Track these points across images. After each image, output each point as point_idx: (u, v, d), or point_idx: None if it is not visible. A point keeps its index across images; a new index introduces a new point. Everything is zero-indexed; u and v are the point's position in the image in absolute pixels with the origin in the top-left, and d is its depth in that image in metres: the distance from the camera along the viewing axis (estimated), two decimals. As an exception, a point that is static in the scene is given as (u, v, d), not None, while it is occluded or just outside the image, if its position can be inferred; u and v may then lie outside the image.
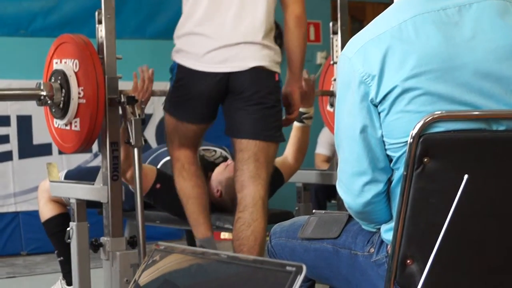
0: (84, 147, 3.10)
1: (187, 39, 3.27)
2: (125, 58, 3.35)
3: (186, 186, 3.41)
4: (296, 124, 3.96)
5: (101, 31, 3.08)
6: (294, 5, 3.28)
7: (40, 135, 5.73)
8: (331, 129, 4.20)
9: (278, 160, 3.84)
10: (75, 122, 3.07)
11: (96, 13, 3.08)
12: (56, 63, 3.16)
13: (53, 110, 3.14)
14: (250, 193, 3.20)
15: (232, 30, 3.22)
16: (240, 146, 3.25)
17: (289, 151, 3.92)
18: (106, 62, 3.06)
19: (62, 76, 3.08)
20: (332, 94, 4.13)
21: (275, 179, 3.72)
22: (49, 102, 3.09)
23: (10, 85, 5.50)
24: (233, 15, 3.22)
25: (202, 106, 3.29)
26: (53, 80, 3.12)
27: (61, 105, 3.08)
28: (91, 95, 2.99)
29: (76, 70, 3.05)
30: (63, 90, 3.07)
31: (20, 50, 5.83)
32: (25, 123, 5.75)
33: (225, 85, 3.22)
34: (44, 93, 3.08)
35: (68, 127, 3.12)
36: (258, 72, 3.21)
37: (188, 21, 3.28)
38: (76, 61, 3.05)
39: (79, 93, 3.04)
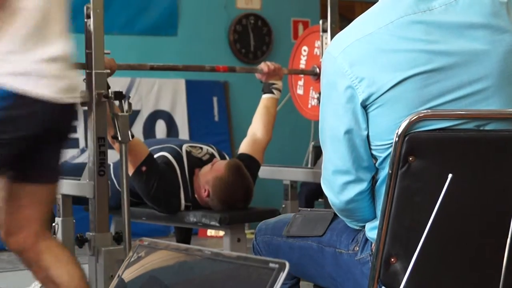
0: None
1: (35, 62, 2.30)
2: (113, 53, 3.34)
3: None
4: (265, 95, 3.92)
5: (89, 25, 3.07)
6: None
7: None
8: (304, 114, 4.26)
9: (248, 142, 3.82)
10: None
11: (85, 7, 3.07)
12: None
13: None
14: None
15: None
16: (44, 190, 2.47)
17: (257, 126, 3.87)
18: (94, 56, 3.05)
19: None
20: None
21: (252, 166, 3.72)
22: None
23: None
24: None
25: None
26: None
27: None
28: None
29: None
30: None
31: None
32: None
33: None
34: None
35: None
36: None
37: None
38: None
39: None
